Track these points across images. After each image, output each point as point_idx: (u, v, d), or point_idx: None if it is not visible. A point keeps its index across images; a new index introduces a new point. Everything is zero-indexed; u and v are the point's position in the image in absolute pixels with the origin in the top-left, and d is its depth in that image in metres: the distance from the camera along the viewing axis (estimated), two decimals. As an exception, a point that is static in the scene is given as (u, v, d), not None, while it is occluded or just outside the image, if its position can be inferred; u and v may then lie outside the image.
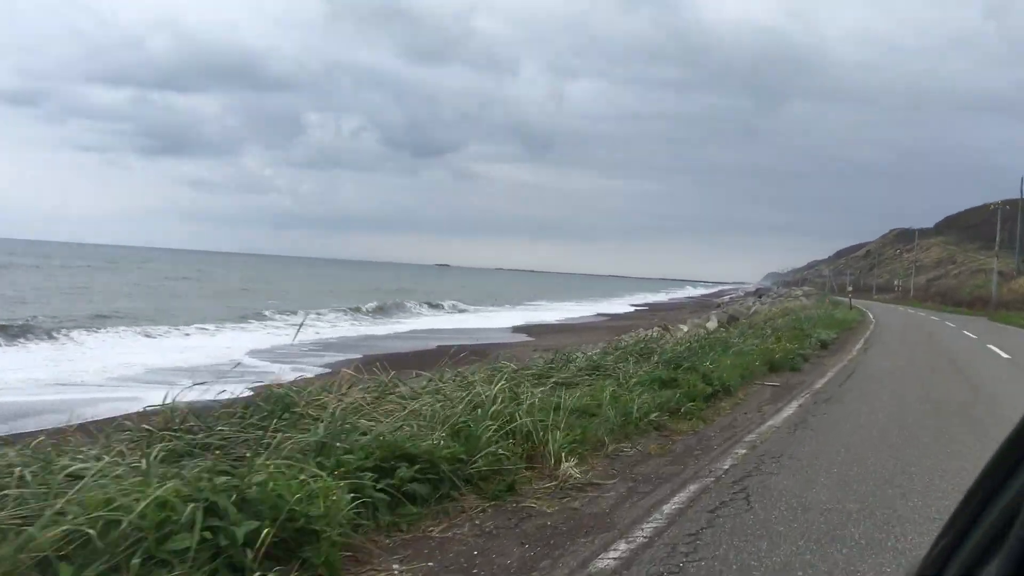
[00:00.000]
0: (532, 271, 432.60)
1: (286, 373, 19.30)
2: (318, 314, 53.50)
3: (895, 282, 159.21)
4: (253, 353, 30.77)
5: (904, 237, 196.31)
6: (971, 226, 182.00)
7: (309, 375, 19.57)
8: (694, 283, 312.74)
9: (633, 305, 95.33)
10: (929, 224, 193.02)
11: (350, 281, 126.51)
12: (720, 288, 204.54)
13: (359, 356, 32.14)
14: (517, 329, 48.85)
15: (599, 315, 69.51)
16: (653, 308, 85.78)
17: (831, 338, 27.47)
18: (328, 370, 23.30)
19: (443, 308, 70.03)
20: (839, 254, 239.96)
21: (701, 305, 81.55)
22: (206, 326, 41.32)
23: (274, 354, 31.58)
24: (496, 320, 57.25)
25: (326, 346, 35.82)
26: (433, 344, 37.26)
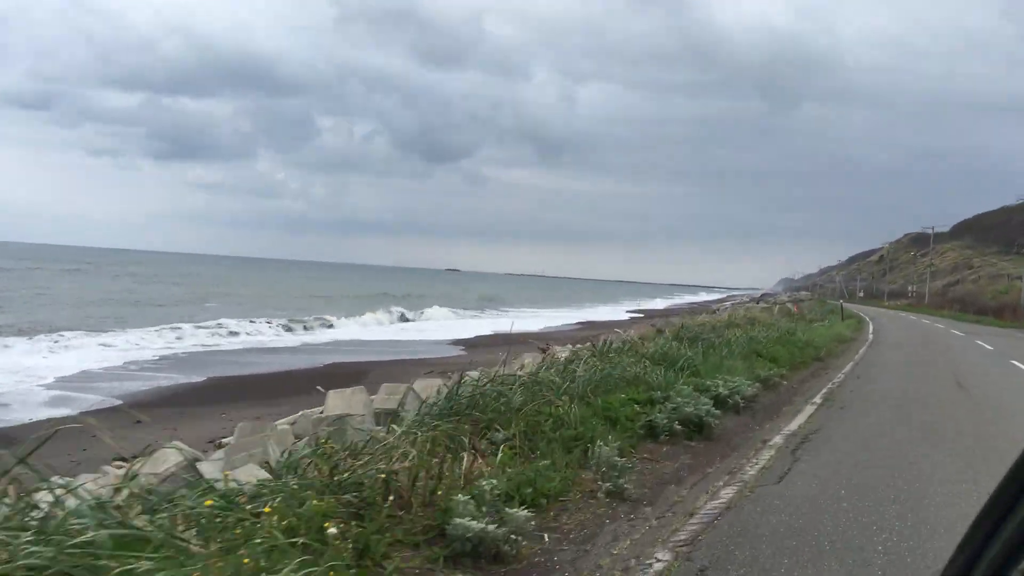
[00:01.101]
0: (543, 276, 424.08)
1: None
2: (251, 322, 47.44)
3: (909, 287, 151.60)
4: (59, 382, 23.04)
5: (919, 241, 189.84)
6: (988, 229, 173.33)
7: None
8: (708, 288, 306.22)
9: (629, 312, 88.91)
10: (945, 228, 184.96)
11: (338, 285, 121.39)
12: (729, 294, 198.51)
13: (202, 379, 24.98)
14: (458, 342, 41.38)
15: (581, 324, 62.66)
16: (649, 314, 78.93)
17: (735, 394, 13.15)
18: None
19: (395, 315, 62.69)
20: (853, 259, 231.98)
21: (694, 311, 74.61)
22: (64, 335, 33.83)
23: (86, 377, 24.17)
24: (448, 331, 49.98)
25: (175, 364, 28.30)
26: (328, 360, 30.63)
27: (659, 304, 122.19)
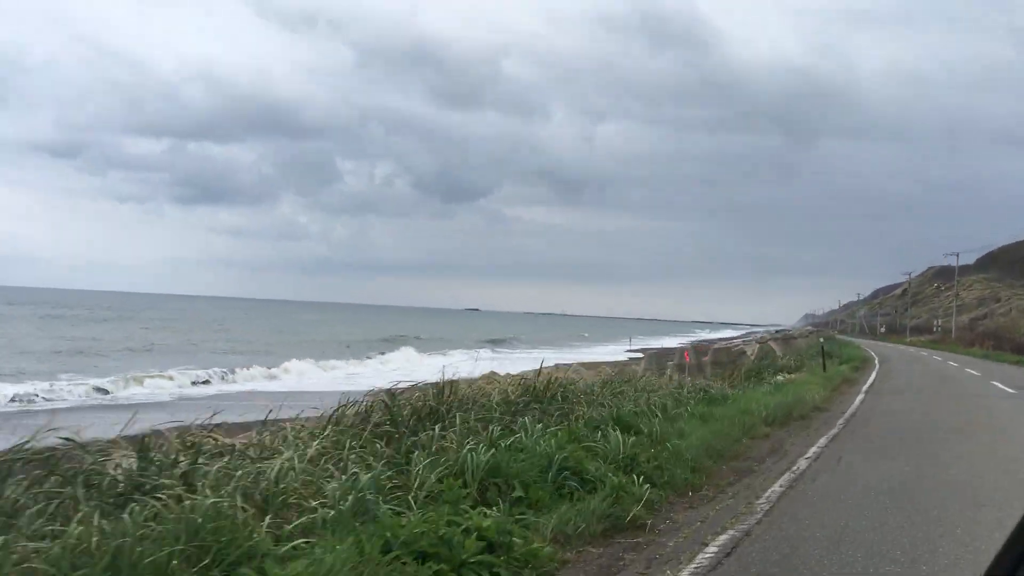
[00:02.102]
0: (563, 314, 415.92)
1: None
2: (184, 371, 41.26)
3: (934, 322, 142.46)
4: None
5: (943, 274, 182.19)
6: (1015, 261, 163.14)
7: None
8: (732, 325, 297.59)
9: (629, 351, 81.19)
10: (969, 260, 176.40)
11: (344, 327, 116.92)
12: (751, 330, 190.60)
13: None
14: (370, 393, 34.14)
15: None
16: (648, 353, 71.24)
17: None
18: None
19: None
20: (876, 293, 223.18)
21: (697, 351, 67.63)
22: None
23: None
24: (391, 375, 42.42)
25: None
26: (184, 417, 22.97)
27: (668, 342, 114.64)
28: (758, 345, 38.30)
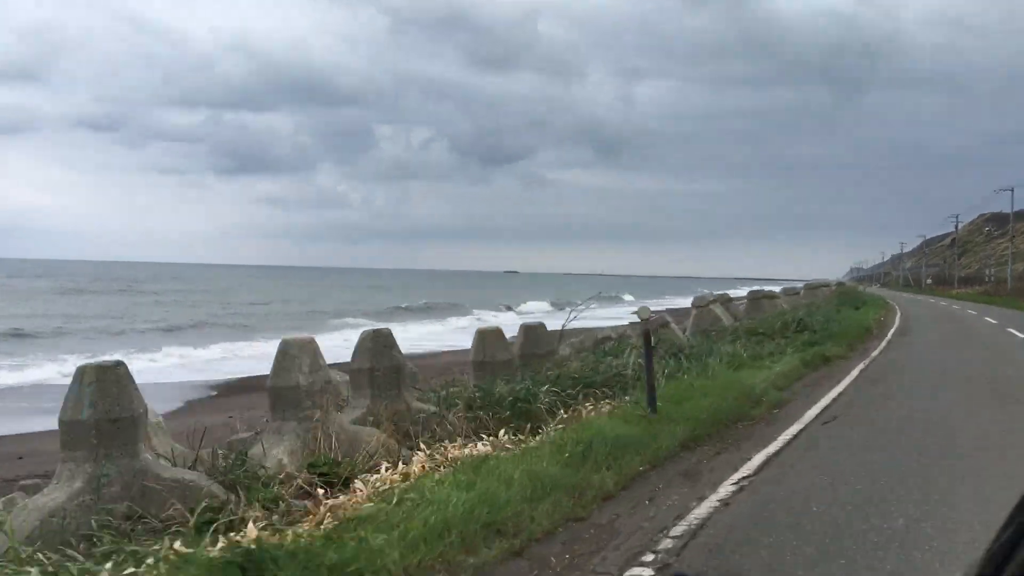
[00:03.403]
0: (602, 274, 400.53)
1: None
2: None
3: (986, 272, 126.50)
4: None
5: (997, 221, 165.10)
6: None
7: None
8: (776, 281, 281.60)
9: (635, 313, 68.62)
10: (1021, 207, 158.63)
11: (379, 294, 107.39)
12: (792, 285, 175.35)
13: None
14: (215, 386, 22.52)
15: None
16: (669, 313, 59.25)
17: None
18: None
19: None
20: (925, 244, 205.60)
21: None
22: None
23: None
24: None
25: None
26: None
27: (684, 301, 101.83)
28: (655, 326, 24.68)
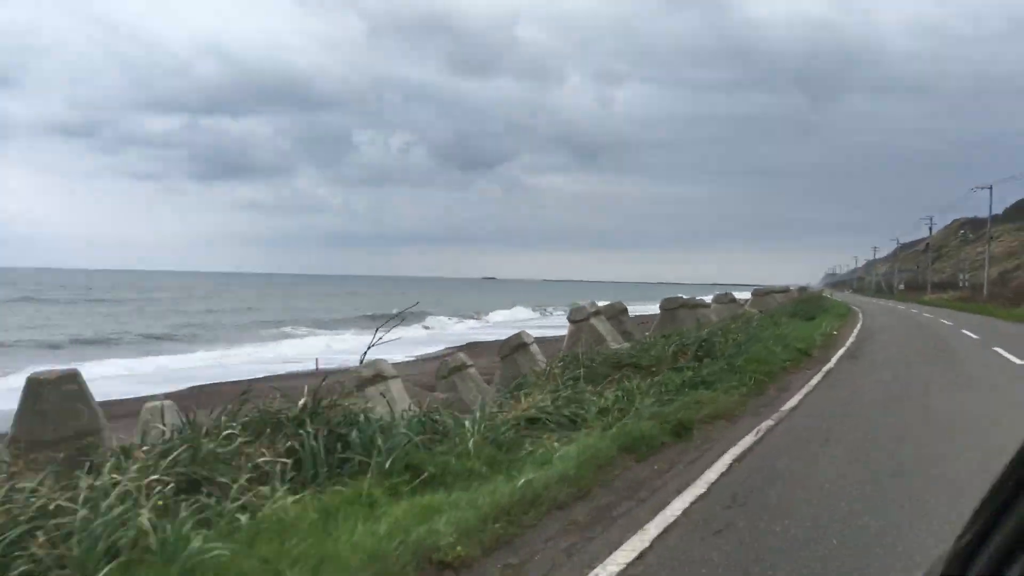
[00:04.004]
0: (580, 280, 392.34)
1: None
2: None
3: (960, 277, 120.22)
4: None
5: (972, 226, 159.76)
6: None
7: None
8: (751, 287, 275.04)
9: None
10: (997, 211, 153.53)
11: (334, 301, 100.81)
12: (769, 290, 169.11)
13: None
14: None
15: (453, 349, 37.47)
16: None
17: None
18: None
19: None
20: (900, 249, 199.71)
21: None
22: None
23: None
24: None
25: None
26: None
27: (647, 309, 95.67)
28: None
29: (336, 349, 40.49)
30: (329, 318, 71.53)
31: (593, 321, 18.44)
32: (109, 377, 29.27)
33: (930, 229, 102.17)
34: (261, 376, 26.25)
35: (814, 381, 14.41)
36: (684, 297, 23.98)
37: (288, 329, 58.16)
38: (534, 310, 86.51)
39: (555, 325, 44.66)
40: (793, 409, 11.21)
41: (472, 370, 15.53)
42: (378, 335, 13.88)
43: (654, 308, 29.78)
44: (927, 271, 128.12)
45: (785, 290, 51.67)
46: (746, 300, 38.82)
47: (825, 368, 16.74)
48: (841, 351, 20.79)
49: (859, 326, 32.53)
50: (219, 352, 41.24)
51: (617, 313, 20.40)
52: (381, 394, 9.74)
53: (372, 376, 10.54)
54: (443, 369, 15.79)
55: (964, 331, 30.02)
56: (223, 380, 25.12)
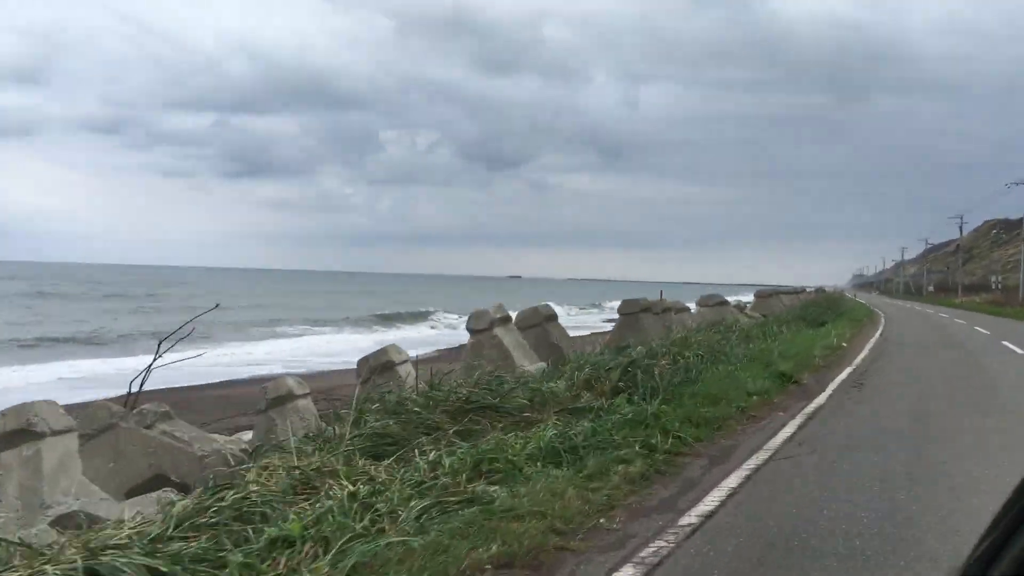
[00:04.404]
0: (607, 280, 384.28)
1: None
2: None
3: (992, 279, 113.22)
4: None
5: (1004, 227, 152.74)
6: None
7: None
8: (778, 288, 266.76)
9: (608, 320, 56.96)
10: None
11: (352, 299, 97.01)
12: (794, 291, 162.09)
13: None
14: None
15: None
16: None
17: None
18: None
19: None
20: (928, 251, 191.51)
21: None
22: None
23: None
24: None
25: None
26: None
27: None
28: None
29: (321, 351, 37.21)
30: (338, 317, 67.11)
31: (498, 331, 13.18)
32: (43, 384, 25.01)
33: (960, 229, 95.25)
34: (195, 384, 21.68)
35: (780, 438, 8.89)
36: (647, 299, 18.65)
37: (286, 328, 54.02)
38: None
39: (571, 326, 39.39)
40: (691, 534, 5.65)
41: (304, 402, 10.30)
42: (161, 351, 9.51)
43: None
44: (957, 272, 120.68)
45: (798, 291, 45.98)
46: (746, 303, 33.28)
47: (810, 407, 11.21)
48: (844, 374, 15.23)
49: (877, 335, 26.82)
50: (192, 352, 36.86)
51: (541, 320, 15.05)
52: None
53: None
54: (261, 400, 10.58)
55: (1005, 343, 24.21)
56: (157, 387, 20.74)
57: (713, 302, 24.50)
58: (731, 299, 30.73)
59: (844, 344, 21.43)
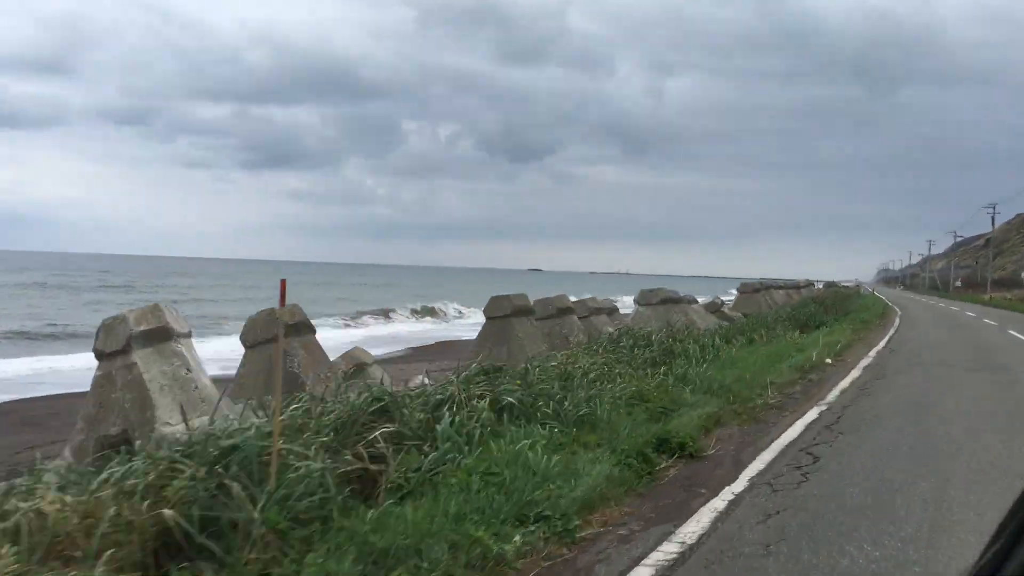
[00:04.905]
0: (628, 273, 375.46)
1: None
2: None
3: None
4: None
5: None
6: None
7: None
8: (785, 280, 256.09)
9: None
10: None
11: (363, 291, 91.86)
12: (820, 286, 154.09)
13: None
14: None
15: None
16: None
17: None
18: None
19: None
20: (957, 246, 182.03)
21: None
22: None
23: None
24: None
25: None
26: None
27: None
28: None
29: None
30: (336, 311, 61.51)
31: (137, 357, 7.04)
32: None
33: (992, 219, 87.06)
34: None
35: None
36: (523, 298, 12.42)
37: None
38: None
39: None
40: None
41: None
42: None
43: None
44: (987, 267, 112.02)
45: (799, 285, 39.06)
46: (727, 301, 26.65)
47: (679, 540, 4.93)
48: (792, 431, 8.76)
49: (883, 343, 20.15)
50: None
51: (302, 332, 8.84)
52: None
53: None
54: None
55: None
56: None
57: (656, 299, 17.99)
58: (703, 299, 24.09)
59: (829, 360, 14.90)
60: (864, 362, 15.56)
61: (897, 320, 31.90)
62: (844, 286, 69.81)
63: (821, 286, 49.20)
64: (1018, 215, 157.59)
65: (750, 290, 26.12)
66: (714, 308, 22.34)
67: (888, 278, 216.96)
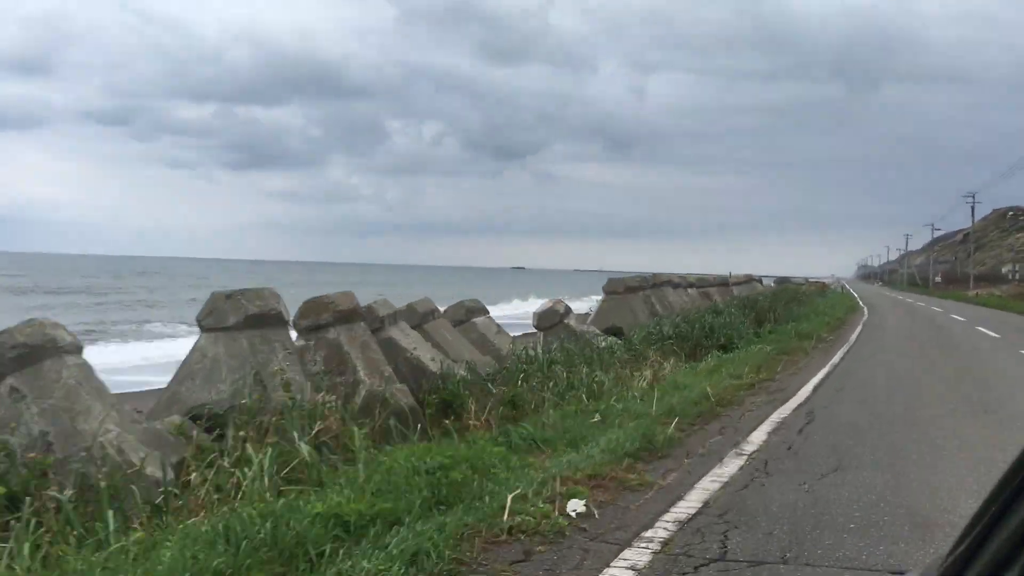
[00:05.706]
0: (612, 271, 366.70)
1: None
2: None
3: (1005, 270, 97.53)
4: None
5: (1014, 216, 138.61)
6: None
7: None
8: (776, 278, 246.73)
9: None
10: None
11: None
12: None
13: None
14: None
15: None
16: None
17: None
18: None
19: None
20: (935, 241, 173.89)
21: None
22: None
23: None
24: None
25: None
26: None
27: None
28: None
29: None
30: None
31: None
32: None
33: (972, 209, 78.26)
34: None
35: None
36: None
37: (160, 327, 41.13)
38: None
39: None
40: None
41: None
42: None
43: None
44: (967, 262, 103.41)
45: (742, 281, 30.03)
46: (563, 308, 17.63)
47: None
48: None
49: (817, 379, 11.14)
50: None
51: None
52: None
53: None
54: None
55: None
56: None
57: (461, 314, 8.69)
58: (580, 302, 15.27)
59: (680, 433, 5.91)
60: (770, 420, 6.45)
61: (860, 325, 22.93)
62: (815, 282, 60.83)
63: (772, 283, 40.25)
64: (994, 210, 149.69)
65: (622, 289, 16.90)
66: (561, 317, 13.07)
67: (867, 274, 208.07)
